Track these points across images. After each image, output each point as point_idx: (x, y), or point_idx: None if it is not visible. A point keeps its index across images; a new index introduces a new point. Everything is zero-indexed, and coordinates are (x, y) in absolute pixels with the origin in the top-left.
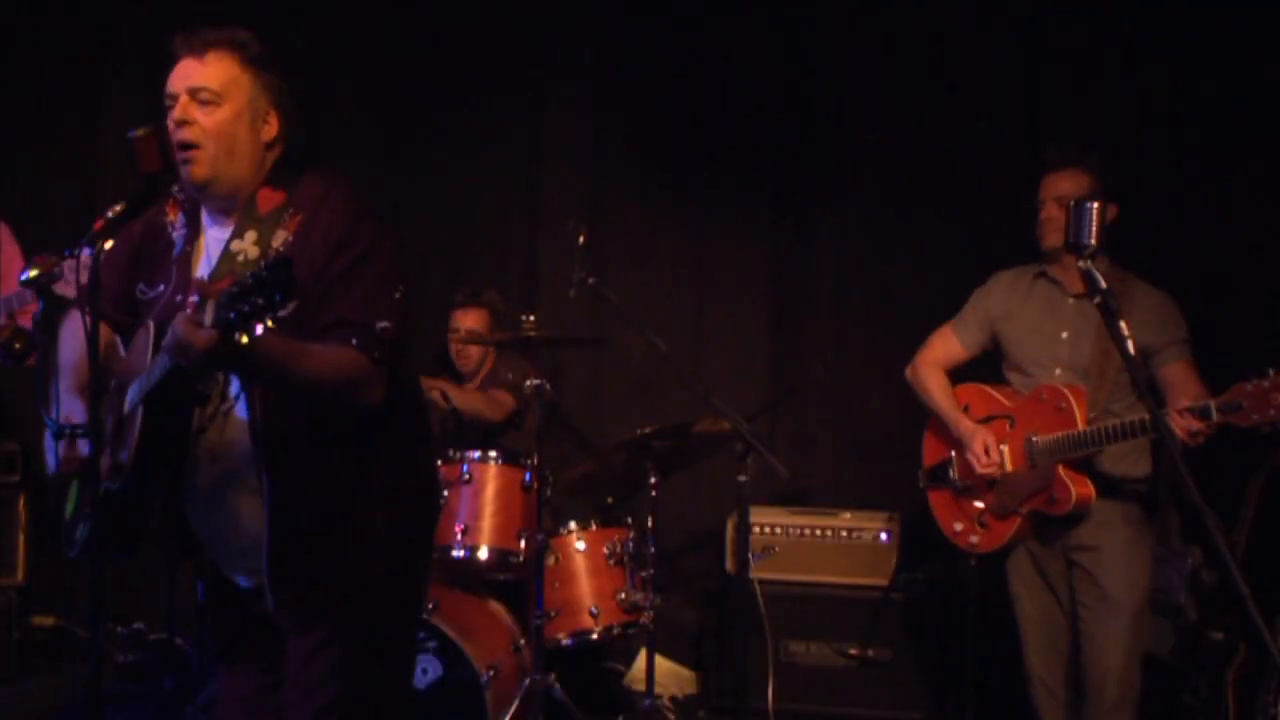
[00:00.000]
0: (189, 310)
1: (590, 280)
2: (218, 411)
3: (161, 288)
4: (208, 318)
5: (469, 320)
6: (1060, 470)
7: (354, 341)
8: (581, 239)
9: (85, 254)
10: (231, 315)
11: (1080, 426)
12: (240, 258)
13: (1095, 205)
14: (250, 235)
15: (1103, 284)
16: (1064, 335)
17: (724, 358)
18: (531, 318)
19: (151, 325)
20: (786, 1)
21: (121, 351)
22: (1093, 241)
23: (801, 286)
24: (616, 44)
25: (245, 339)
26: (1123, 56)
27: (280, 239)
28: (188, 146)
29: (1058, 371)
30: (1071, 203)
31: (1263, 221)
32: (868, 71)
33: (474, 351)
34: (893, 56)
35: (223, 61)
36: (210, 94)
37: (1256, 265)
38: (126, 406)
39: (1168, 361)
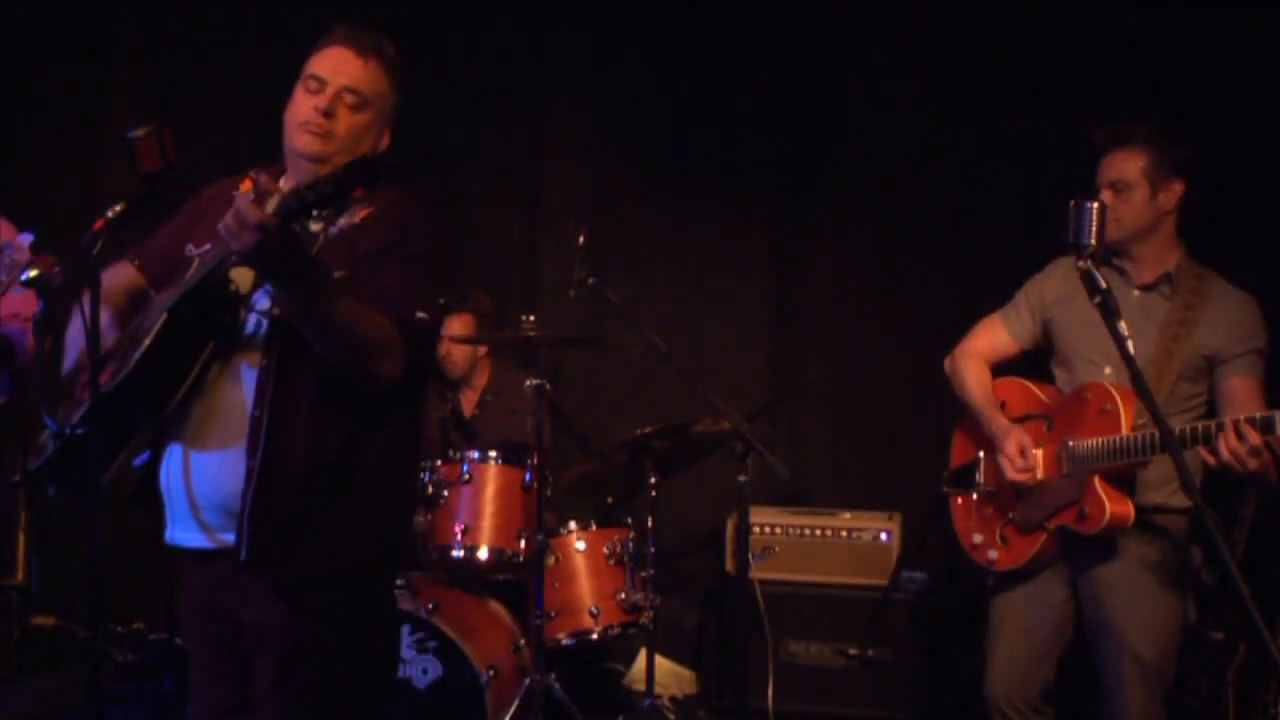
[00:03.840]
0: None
1: (590, 280)
2: (217, 370)
3: (208, 246)
4: (270, 205)
5: (455, 326)
6: (1096, 482)
7: (390, 315)
8: (581, 239)
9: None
10: (295, 205)
11: (1125, 431)
12: (298, 228)
13: (1095, 205)
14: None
15: (1102, 284)
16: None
17: (724, 358)
18: (531, 318)
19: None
20: (787, 1)
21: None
22: (1093, 241)
23: (801, 286)
24: (618, 43)
25: (301, 230)
26: (1124, 52)
27: (346, 220)
28: (321, 127)
29: (1107, 370)
30: (1071, 202)
31: (1262, 222)
32: (869, 72)
33: (460, 356)
34: (894, 57)
35: (380, 71)
36: (360, 98)
37: (1255, 266)
38: (153, 315)
39: (1232, 373)
